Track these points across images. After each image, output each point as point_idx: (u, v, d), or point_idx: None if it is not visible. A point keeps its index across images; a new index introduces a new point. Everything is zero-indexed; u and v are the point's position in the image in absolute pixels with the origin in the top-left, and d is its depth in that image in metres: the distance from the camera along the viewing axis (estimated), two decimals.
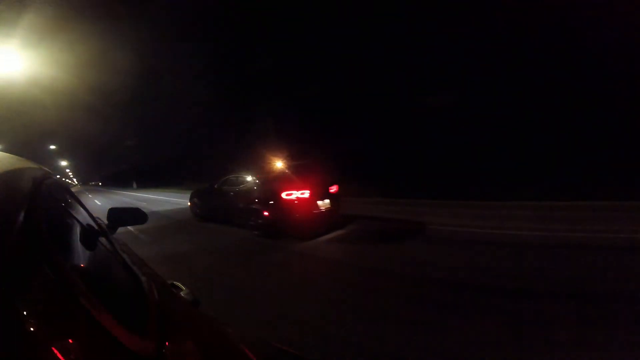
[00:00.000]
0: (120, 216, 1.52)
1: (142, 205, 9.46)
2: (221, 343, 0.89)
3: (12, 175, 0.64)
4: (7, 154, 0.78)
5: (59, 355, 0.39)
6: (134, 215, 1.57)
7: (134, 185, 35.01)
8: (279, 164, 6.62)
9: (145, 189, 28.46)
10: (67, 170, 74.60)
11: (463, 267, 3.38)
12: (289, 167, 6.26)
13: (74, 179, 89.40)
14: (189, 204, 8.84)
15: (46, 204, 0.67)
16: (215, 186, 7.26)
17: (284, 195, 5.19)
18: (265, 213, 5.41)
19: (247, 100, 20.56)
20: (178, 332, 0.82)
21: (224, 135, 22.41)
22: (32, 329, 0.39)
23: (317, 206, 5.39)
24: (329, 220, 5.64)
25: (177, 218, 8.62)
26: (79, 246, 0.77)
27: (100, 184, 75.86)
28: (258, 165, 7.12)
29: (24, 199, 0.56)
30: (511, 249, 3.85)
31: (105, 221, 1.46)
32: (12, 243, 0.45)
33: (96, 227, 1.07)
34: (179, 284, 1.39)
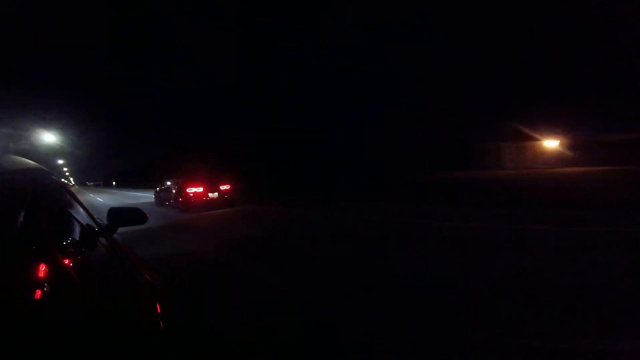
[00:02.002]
0: (120, 216, 1.48)
1: (127, 203, 15.42)
2: (219, 342, 0.92)
3: (12, 175, 0.66)
4: (8, 155, 0.82)
5: (59, 353, 0.41)
6: (134, 215, 1.56)
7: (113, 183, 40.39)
8: (193, 172, 11.88)
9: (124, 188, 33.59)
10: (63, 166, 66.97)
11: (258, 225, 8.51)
12: (196, 174, 11.49)
13: (71, 179, 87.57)
14: (153, 196, 14.10)
15: (46, 204, 0.68)
16: (163, 185, 12.49)
17: (187, 190, 10.36)
18: (180, 199, 10.58)
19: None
20: (177, 330, 0.86)
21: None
22: (31, 327, 0.39)
23: (208, 196, 10.57)
24: (218, 204, 10.85)
25: (144, 206, 13.82)
26: (78, 246, 0.78)
27: (114, 183, 72.57)
28: (183, 172, 12.38)
29: (24, 199, 0.57)
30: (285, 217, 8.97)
31: (105, 221, 1.46)
32: (12, 243, 0.46)
33: (96, 227, 1.10)
34: (179, 284, 1.40)
